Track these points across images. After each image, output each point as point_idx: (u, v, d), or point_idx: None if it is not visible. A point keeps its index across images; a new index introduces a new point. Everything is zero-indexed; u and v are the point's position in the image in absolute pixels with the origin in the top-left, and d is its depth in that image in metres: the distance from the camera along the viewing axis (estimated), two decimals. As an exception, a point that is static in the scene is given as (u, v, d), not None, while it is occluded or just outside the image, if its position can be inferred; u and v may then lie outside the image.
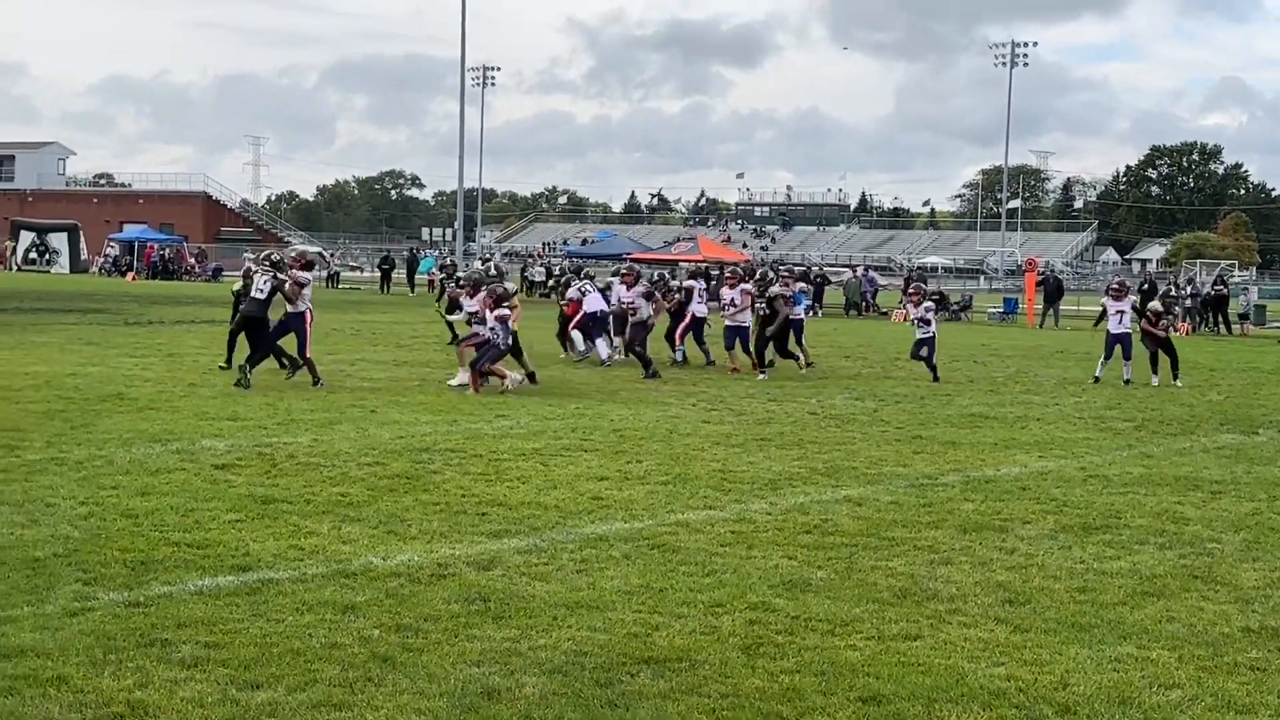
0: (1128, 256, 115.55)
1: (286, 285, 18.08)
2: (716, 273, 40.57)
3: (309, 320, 18.33)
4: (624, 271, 24.58)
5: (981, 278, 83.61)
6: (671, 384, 20.48)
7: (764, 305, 22.16)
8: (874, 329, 40.68)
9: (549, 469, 12.00)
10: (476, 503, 10.28)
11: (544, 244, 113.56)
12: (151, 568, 7.86)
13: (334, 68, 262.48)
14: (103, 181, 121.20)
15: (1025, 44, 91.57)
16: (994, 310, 48.79)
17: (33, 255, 73.87)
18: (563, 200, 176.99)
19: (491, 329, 18.33)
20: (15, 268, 71.40)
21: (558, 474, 11.74)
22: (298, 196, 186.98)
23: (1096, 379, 22.43)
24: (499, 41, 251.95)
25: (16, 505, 9.41)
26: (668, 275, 31.36)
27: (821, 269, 61.02)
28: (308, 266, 19.36)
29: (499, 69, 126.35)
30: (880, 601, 7.72)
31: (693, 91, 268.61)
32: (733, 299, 22.70)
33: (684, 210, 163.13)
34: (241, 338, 18.96)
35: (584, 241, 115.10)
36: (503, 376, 18.24)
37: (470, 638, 6.75)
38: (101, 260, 74.59)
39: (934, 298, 26.98)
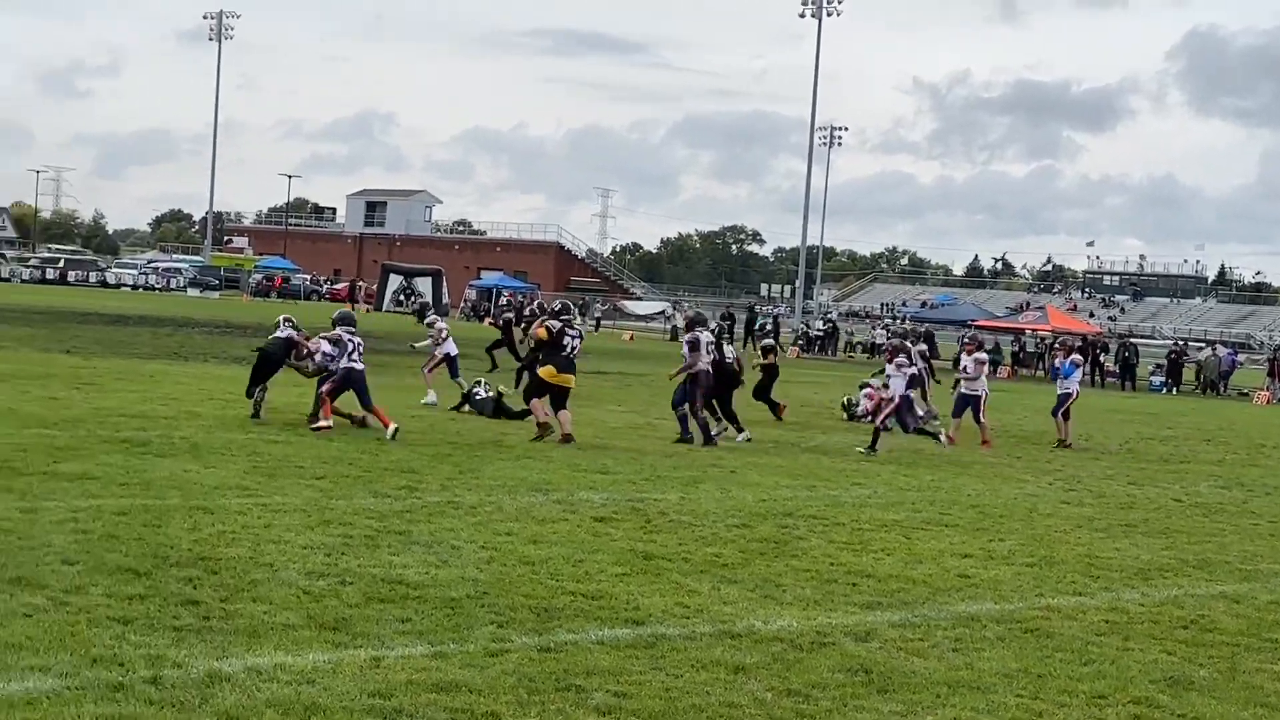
0: None
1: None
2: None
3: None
4: (966, 340, 24.62)
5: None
6: (1025, 459, 20.32)
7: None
8: (1234, 411, 39.04)
9: (911, 542, 12.20)
10: (845, 572, 10.57)
11: (882, 305, 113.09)
12: (555, 615, 8.46)
13: (681, 124, 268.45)
14: (462, 228, 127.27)
15: None
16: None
17: (400, 298, 78.21)
18: (903, 261, 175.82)
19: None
20: (384, 309, 75.72)
21: (921, 548, 11.92)
22: (641, 248, 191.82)
23: None
24: (844, 100, 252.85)
25: (426, 545, 10.23)
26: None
27: (1177, 343, 58.78)
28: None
29: (845, 129, 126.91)
30: (1269, 706, 7.64)
31: (1040, 155, 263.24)
32: (966, 366, 22.55)
33: (1028, 276, 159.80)
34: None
35: (924, 304, 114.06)
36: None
37: (859, 708, 7.05)
38: (462, 305, 78.35)
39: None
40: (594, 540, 11.10)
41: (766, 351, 23.07)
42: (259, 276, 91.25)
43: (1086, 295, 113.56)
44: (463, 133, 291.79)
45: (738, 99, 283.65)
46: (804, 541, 11.80)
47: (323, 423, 16.87)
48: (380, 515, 11.33)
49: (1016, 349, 51.56)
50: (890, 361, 21.59)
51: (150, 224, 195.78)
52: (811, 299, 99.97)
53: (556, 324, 18.13)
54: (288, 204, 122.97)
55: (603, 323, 74.42)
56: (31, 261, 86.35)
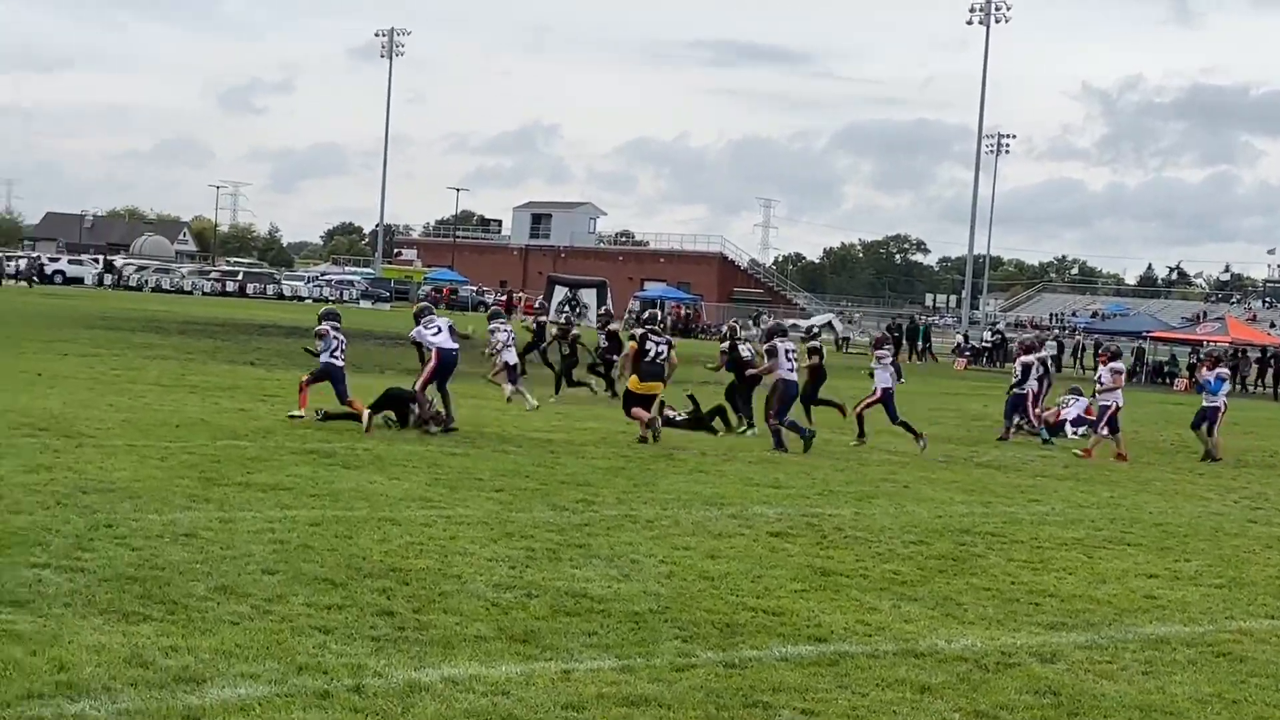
0: None
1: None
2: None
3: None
4: (1102, 351, 24.77)
5: None
6: (1208, 476, 19.83)
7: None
8: None
9: (1093, 561, 12.01)
10: (1027, 591, 10.46)
11: (1051, 315, 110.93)
12: (737, 630, 8.54)
13: (843, 133, 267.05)
14: (625, 239, 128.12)
15: None
16: None
17: (565, 309, 78.98)
18: (1073, 270, 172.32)
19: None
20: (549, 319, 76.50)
21: (1104, 567, 11.73)
22: (803, 258, 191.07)
23: None
24: (1010, 107, 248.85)
25: (607, 559, 10.38)
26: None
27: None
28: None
29: (1013, 136, 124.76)
30: None
31: (1216, 160, 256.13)
32: (1101, 376, 22.55)
33: (1204, 285, 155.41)
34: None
35: (1094, 315, 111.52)
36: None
37: (1049, 731, 7.00)
38: (626, 316, 78.84)
39: None
40: (771, 556, 11.15)
41: (811, 353, 22.79)
42: (428, 288, 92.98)
43: (1267, 305, 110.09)
44: (625, 144, 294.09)
45: (901, 107, 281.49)
46: (983, 559, 11.70)
47: (296, 412, 17.99)
48: (560, 528, 11.52)
49: (1194, 361, 50.20)
50: (875, 351, 22.28)
51: (323, 237, 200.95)
52: (978, 309, 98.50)
53: (639, 331, 19.48)
54: (455, 216, 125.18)
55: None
56: (212, 274, 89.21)
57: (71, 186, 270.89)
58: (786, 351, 19.72)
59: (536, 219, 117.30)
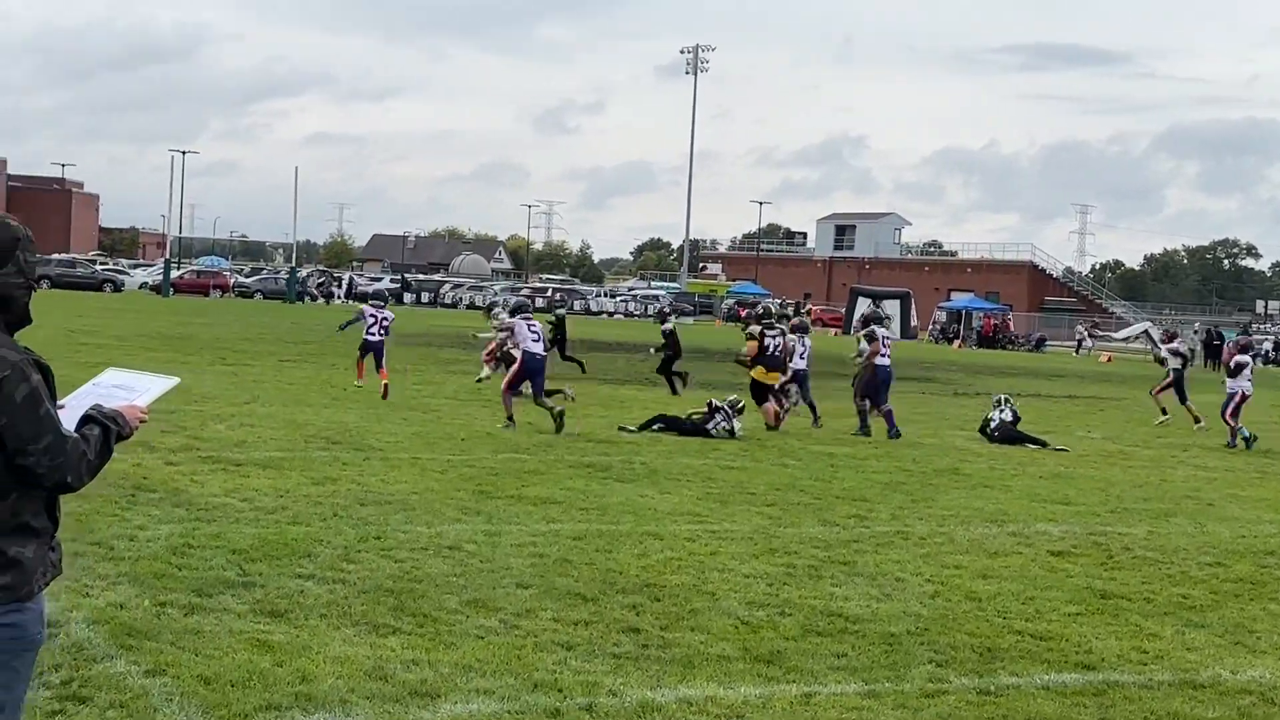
0: None
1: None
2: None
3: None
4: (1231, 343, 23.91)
5: None
6: None
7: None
8: None
9: None
10: (1332, 619, 9.63)
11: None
12: (998, 655, 8.11)
13: (1165, 135, 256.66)
14: (932, 250, 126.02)
15: None
16: None
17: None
18: None
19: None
20: (851, 331, 75.81)
21: None
22: (1122, 265, 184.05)
23: None
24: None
25: (870, 578, 10.06)
26: None
27: None
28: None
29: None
30: None
31: None
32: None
33: None
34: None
35: None
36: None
37: (1335, 776, 6.37)
38: (930, 327, 77.49)
39: None
40: (1048, 576, 10.61)
41: (869, 339, 21.61)
42: (730, 302, 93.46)
43: None
44: (933, 153, 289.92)
45: (1227, 106, 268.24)
46: (1285, 583, 10.86)
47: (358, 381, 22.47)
48: (826, 544, 11.24)
49: None
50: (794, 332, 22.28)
51: (632, 252, 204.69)
52: None
53: (758, 328, 21.32)
54: (759, 230, 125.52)
55: (1083, 345, 71.68)
56: (522, 291, 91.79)
57: (397, 209, 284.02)
58: (884, 338, 21.34)
59: (841, 230, 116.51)
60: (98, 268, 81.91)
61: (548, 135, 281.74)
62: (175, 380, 4.24)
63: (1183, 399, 25.89)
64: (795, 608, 8.92)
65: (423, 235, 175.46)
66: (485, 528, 10.97)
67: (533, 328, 18.80)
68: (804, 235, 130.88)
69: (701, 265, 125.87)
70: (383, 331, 22.88)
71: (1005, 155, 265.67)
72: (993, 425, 20.95)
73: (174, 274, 77.18)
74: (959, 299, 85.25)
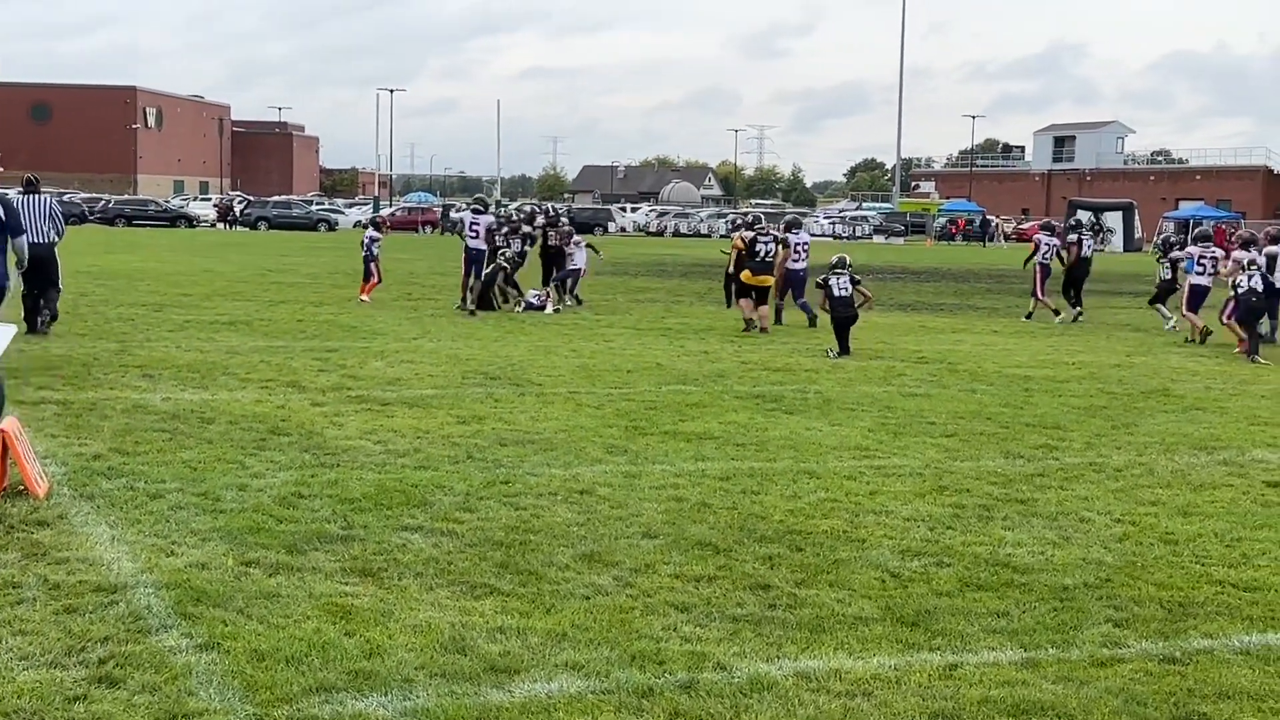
0: None
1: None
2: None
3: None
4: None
5: None
6: None
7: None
8: None
9: None
10: None
11: None
12: (1190, 611, 6.94)
13: None
14: (1160, 159, 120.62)
15: None
16: None
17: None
18: None
19: None
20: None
21: None
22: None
23: None
24: None
25: (1049, 518, 8.91)
26: None
27: None
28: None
29: None
30: None
31: None
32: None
33: None
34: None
35: None
36: None
37: None
38: (1155, 239, 73.87)
39: None
40: (1261, 513, 9.30)
41: (782, 244, 22.65)
42: (943, 220, 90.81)
43: None
44: (1160, 58, 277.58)
45: None
46: None
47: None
48: (1005, 480, 10.10)
49: None
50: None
51: (845, 174, 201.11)
52: None
53: (749, 234, 21.53)
54: (972, 147, 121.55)
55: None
56: (729, 215, 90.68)
57: (609, 141, 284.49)
58: (797, 245, 22.92)
59: (1059, 142, 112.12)
60: (313, 208, 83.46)
61: (757, 59, 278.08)
62: (11, 329, 3.51)
63: None
64: (955, 556, 7.85)
65: (634, 165, 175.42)
66: (626, 468, 10.11)
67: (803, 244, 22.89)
68: (1021, 149, 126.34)
69: (914, 184, 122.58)
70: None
71: (1237, 56, 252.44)
72: (1240, 290, 19.42)
73: (385, 211, 78.24)
74: (1187, 208, 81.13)
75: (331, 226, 76.90)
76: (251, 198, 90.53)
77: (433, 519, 8.35)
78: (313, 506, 8.56)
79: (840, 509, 8.98)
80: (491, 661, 5.89)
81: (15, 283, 14.68)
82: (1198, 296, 21.77)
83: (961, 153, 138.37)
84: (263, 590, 6.78)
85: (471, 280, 23.32)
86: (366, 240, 25.37)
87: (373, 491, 8.99)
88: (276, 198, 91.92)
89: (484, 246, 23.52)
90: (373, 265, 25.03)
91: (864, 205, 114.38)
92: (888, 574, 7.47)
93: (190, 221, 76.64)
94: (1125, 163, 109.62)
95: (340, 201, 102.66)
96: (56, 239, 17.84)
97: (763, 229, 22.00)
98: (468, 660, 5.90)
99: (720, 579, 7.28)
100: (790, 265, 22.97)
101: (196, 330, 18.84)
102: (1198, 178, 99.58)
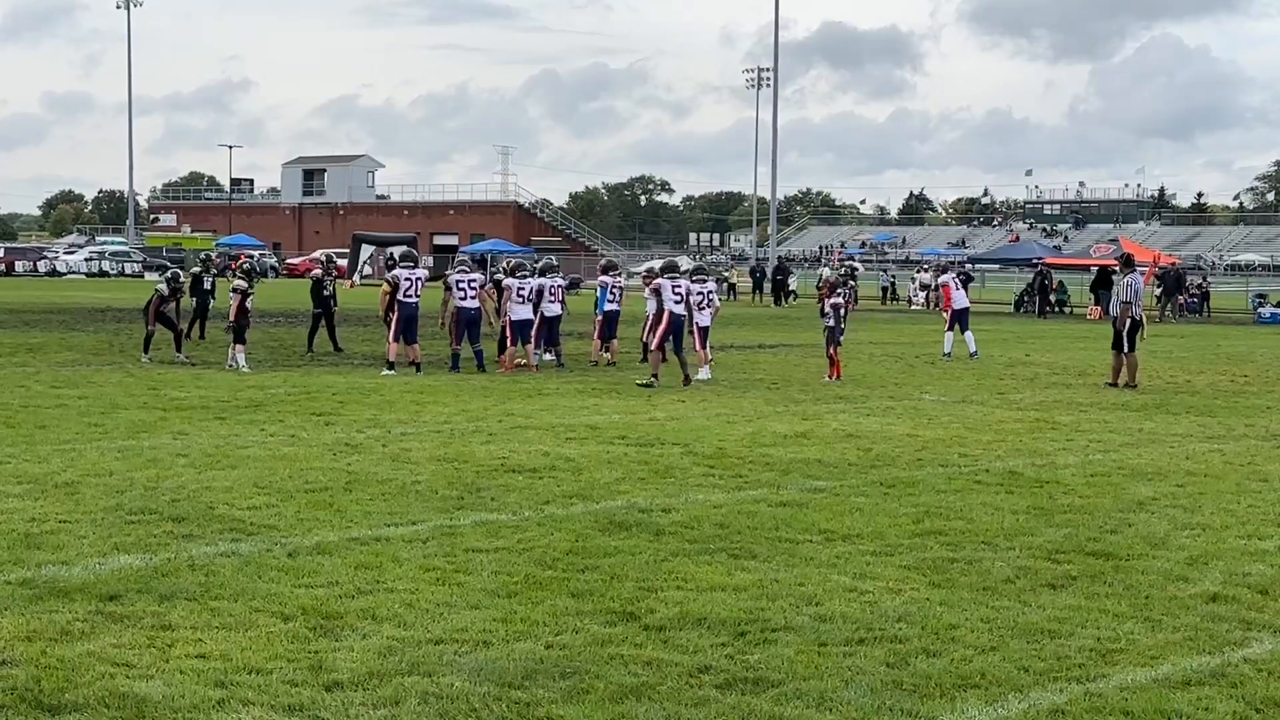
0: None
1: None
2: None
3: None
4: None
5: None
6: None
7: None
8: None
9: None
10: None
11: (821, 248, 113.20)
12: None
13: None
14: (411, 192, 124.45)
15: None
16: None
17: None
18: (816, 202, 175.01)
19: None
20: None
21: None
22: (550, 204, 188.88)
23: None
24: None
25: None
26: None
27: (1178, 270, 57.72)
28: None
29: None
30: None
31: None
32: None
33: (944, 211, 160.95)
34: None
35: (863, 244, 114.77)
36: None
37: None
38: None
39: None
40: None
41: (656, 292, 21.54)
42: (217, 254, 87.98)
43: (1029, 225, 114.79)
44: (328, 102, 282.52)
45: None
46: None
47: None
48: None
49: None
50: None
51: (41, 207, 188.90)
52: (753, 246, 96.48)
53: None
54: (182, 178, 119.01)
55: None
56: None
57: None
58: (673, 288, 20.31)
59: (309, 175, 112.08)
60: None
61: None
62: None
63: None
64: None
65: None
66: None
67: None
68: (251, 182, 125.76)
69: (153, 218, 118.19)
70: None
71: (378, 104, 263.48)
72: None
73: None
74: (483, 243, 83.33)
75: None
76: None
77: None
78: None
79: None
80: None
81: None
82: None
83: (168, 184, 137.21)
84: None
85: None
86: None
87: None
88: None
89: None
90: None
91: (99, 240, 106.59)
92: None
93: None
94: (377, 197, 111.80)
95: None
96: None
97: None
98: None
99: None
100: None
101: None
102: (451, 212, 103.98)
